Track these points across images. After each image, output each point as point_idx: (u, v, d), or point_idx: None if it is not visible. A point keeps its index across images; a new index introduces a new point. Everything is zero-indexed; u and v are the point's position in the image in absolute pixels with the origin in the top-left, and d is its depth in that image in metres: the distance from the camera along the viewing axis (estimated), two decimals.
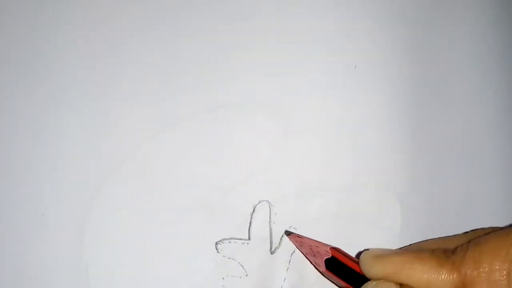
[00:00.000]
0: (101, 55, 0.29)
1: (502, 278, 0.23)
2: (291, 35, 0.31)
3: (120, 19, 0.30)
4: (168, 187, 0.29)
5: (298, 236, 0.29)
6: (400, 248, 0.30)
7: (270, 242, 0.30)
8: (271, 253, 0.30)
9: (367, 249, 0.27)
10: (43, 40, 0.29)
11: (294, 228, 0.30)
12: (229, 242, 0.30)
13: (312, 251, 0.28)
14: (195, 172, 0.29)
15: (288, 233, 0.30)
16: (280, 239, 0.30)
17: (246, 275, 0.30)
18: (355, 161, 0.31)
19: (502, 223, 0.31)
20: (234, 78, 0.30)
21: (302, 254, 0.29)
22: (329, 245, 0.28)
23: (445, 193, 0.32)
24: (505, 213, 0.33)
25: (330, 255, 0.27)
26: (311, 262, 0.29)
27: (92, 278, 0.28)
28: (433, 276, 0.24)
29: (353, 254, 0.29)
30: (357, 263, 0.27)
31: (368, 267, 0.26)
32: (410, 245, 0.30)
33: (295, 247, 0.30)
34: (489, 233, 0.26)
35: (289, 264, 0.30)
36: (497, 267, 0.23)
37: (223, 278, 0.29)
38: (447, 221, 0.32)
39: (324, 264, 0.27)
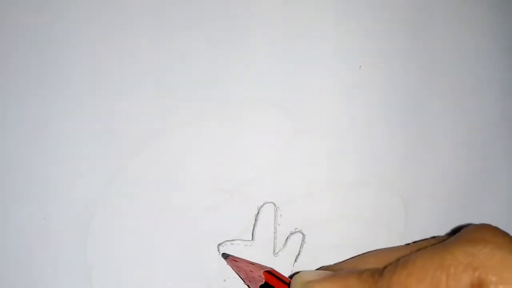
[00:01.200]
0: (103, 57, 0.27)
1: None
2: (297, 36, 0.30)
3: (123, 19, 0.27)
4: (172, 188, 0.28)
5: (234, 259, 0.28)
6: (338, 263, 0.29)
7: (274, 244, 0.29)
8: (275, 255, 0.29)
9: (297, 272, 0.27)
10: (44, 43, 0.27)
11: (299, 230, 0.30)
12: (232, 244, 0.29)
13: (248, 277, 0.28)
14: (200, 173, 0.28)
15: (225, 256, 0.28)
16: (285, 241, 0.29)
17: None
18: (360, 162, 0.31)
19: (504, 223, 0.31)
20: (241, 79, 0.29)
21: (241, 280, 0.29)
22: (263, 268, 0.27)
23: (448, 193, 0.32)
24: (508, 213, 0.34)
25: (264, 281, 0.27)
26: None
27: (95, 281, 0.27)
28: None
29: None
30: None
31: None
32: (349, 258, 0.29)
33: (299, 249, 0.29)
34: (419, 250, 0.25)
35: (293, 266, 0.30)
36: None
37: (224, 280, 0.29)
38: (450, 221, 0.32)
39: None
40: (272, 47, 0.30)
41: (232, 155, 0.29)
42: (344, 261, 0.29)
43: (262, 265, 0.28)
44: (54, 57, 0.27)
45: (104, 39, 0.27)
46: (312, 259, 0.30)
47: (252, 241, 0.29)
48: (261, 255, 0.29)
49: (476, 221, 0.32)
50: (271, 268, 0.27)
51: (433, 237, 0.29)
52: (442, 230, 0.32)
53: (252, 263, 0.28)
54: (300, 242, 0.30)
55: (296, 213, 0.29)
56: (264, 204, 0.29)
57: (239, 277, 0.29)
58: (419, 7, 0.32)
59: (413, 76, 0.32)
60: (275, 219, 0.29)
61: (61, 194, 0.27)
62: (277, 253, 0.29)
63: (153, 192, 0.28)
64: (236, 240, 0.29)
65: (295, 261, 0.30)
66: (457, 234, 0.25)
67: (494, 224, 0.28)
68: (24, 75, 0.26)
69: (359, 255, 0.29)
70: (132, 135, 0.28)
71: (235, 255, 0.29)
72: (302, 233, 0.30)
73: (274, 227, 0.29)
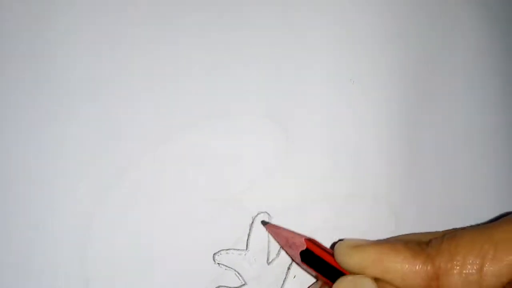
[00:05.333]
0: (104, 63, 0.28)
1: (474, 272, 0.24)
2: (291, 49, 0.31)
3: (124, 26, 0.29)
4: (167, 198, 0.29)
5: (275, 226, 0.29)
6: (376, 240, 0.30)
7: (268, 253, 0.30)
8: (268, 264, 0.30)
9: (341, 239, 0.27)
10: (45, 46, 0.28)
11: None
12: (227, 253, 0.30)
13: (288, 243, 0.28)
14: (195, 184, 0.29)
15: (264, 223, 0.29)
16: (278, 251, 0.30)
17: (244, 285, 0.30)
18: (353, 174, 0.31)
19: None
20: (236, 89, 0.30)
21: (279, 245, 0.29)
22: (304, 236, 0.27)
23: (440, 206, 0.33)
24: None
25: (305, 247, 0.27)
26: (288, 254, 0.29)
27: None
28: (407, 267, 0.25)
29: None
30: (333, 255, 0.26)
31: (344, 258, 0.26)
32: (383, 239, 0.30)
33: (291, 259, 0.30)
34: (465, 228, 0.26)
35: (286, 275, 0.30)
36: (471, 261, 0.24)
37: None
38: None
39: (299, 256, 0.27)
40: (267, 60, 0.31)
41: (226, 165, 0.30)
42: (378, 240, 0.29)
43: (302, 234, 0.28)
44: (53, 60, 0.28)
45: (104, 47, 0.28)
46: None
47: (246, 251, 0.30)
48: (255, 263, 0.30)
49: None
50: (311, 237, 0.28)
51: None
52: None
53: (292, 231, 0.28)
54: None
55: (290, 223, 0.30)
56: (258, 214, 0.30)
57: (277, 243, 0.29)
58: (412, 20, 0.33)
59: (405, 90, 0.33)
60: None
61: (58, 204, 0.27)
62: (271, 262, 0.30)
63: (148, 202, 0.29)
64: (231, 249, 0.30)
65: (288, 269, 0.30)
66: (503, 218, 0.26)
67: None
68: (25, 78, 0.27)
69: (393, 236, 0.29)
70: (128, 146, 0.28)
71: (230, 264, 0.29)
72: None
73: (268, 237, 0.30)
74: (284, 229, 0.29)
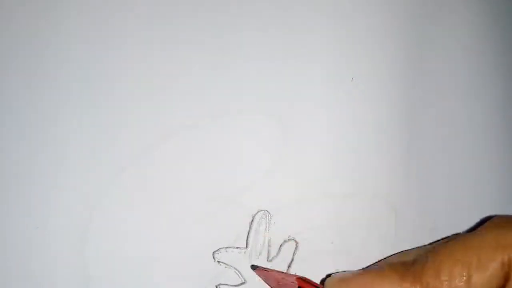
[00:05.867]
0: (102, 61, 0.28)
1: (463, 284, 0.24)
2: (290, 47, 0.31)
3: (122, 24, 0.29)
4: (167, 197, 0.29)
5: (265, 269, 0.29)
6: (362, 268, 0.30)
7: (268, 251, 0.30)
8: (268, 262, 0.30)
9: (330, 275, 0.28)
10: (44, 45, 0.28)
11: (292, 238, 0.30)
12: (226, 251, 0.30)
13: (280, 284, 0.28)
14: (194, 182, 0.29)
15: (254, 267, 0.29)
16: (278, 248, 0.30)
17: (244, 283, 0.30)
18: (352, 171, 0.31)
19: None
20: (235, 88, 0.30)
21: None
22: (295, 275, 0.28)
23: (439, 203, 0.33)
24: None
25: (297, 286, 0.27)
26: None
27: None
28: None
29: (351, 263, 0.30)
30: None
31: None
32: (371, 264, 0.30)
33: (292, 256, 0.30)
34: (446, 241, 0.26)
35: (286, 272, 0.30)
36: (457, 274, 0.24)
37: (216, 287, 0.29)
38: (441, 230, 0.32)
39: None
40: (266, 59, 0.30)
41: (226, 163, 0.30)
42: (366, 267, 0.30)
43: (292, 273, 0.29)
44: (54, 61, 0.27)
45: (102, 46, 0.28)
46: (305, 266, 0.30)
47: (246, 249, 0.30)
48: (255, 262, 0.30)
49: (468, 230, 0.32)
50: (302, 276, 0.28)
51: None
52: (432, 239, 0.32)
53: (283, 272, 0.29)
54: (293, 249, 0.30)
55: (290, 220, 0.30)
56: (258, 212, 0.30)
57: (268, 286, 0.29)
58: (411, 18, 0.33)
59: (405, 87, 0.32)
60: (268, 226, 0.30)
61: (57, 203, 0.27)
62: (271, 260, 0.30)
63: (148, 200, 0.28)
64: (231, 247, 0.30)
65: (289, 267, 0.30)
66: (482, 225, 0.26)
67: None
68: (23, 77, 0.27)
69: (382, 259, 0.30)
70: (127, 144, 0.28)
71: (229, 262, 0.29)
72: (295, 241, 0.30)
73: (268, 235, 0.30)
74: (274, 271, 0.29)
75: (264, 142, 0.30)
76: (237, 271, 0.30)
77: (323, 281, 0.29)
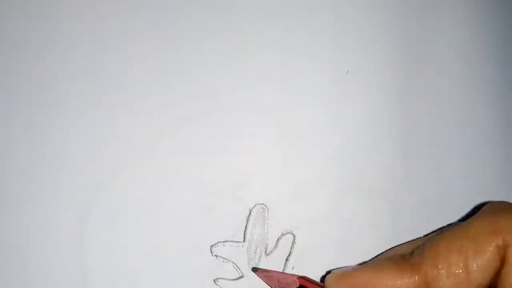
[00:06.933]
0: (101, 58, 0.28)
1: (461, 271, 0.24)
2: (285, 41, 0.31)
3: (121, 22, 0.28)
4: (164, 191, 0.29)
5: (265, 270, 0.29)
6: (361, 263, 0.30)
7: (265, 245, 0.30)
8: (266, 255, 0.30)
9: (329, 271, 0.28)
10: (44, 43, 0.28)
11: (290, 231, 0.30)
12: (224, 245, 0.29)
13: (281, 284, 0.29)
14: (192, 176, 0.29)
15: (255, 270, 0.30)
16: (276, 242, 0.30)
17: (241, 277, 0.30)
18: (349, 164, 0.31)
19: None
20: (231, 82, 0.30)
21: None
22: (296, 275, 0.28)
23: (436, 194, 0.33)
24: None
25: (298, 285, 0.28)
26: None
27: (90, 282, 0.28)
28: (396, 282, 0.25)
29: (348, 256, 0.30)
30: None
31: None
32: (370, 260, 0.30)
33: (290, 250, 0.30)
34: (442, 231, 0.27)
35: (284, 266, 0.30)
36: (454, 261, 0.24)
37: (214, 281, 0.29)
38: (439, 223, 0.33)
39: None
40: (261, 54, 0.30)
41: (223, 158, 0.29)
42: (364, 262, 0.30)
43: (292, 273, 0.29)
44: (53, 61, 0.27)
45: (101, 44, 0.28)
46: (303, 259, 0.30)
47: (244, 242, 0.30)
48: (253, 255, 0.30)
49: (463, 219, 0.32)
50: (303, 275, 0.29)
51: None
52: (430, 231, 0.32)
53: (284, 272, 0.29)
54: (291, 243, 0.30)
55: (287, 214, 0.30)
56: (255, 205, 0.30)
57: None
58: (408, 12, 0.33)
59: (401, 79, 0.32)
60: (266, 220, 0.30)
61: (55, 200, 0.27)
62: (269, 254, 0.30)
63: (146, 195, 0.28)
64: (228, 241, 0.30)
65: (287, 260, 0.30)
66: (477, 212, 0.26)
67: None
68: (20, 76, 0.27)
69: (380, 253, 0.30)
70: (125, 138, 0.28)
71: (227, 256, 0.29)
72: (293, 234, 0.30)
73: (265, 228, 0.30)
74: (274, 271, 0.29)
75: (261, 136, 0.30)
76: (234, 265, 0.30)
77: (323, 277, 0.29)
